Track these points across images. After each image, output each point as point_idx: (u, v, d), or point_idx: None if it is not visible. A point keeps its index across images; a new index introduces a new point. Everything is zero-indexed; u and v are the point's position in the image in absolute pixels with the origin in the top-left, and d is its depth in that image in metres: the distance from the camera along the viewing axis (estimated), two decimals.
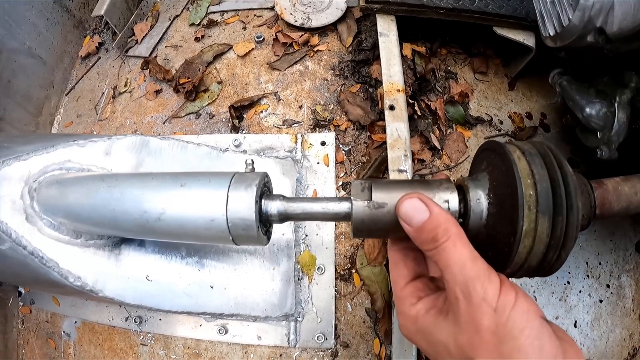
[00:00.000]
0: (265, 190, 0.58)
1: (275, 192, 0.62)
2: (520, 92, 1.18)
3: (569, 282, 1.07)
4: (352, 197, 0.46)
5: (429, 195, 0.45)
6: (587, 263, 1.10)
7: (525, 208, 0.39)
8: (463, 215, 0.45)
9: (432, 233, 0.40)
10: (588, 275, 1.09)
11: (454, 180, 0.49)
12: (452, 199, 0.45)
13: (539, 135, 1.13)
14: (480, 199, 0.45)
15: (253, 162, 0.63)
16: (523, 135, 1.11)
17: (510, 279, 0.50)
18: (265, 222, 0.56)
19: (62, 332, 1.10)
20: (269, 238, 0.60)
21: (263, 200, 0.55)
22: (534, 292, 1.04)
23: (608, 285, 1.10)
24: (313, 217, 0.52)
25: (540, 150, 0.43)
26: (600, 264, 1.11)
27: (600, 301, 1.08)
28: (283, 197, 0.54)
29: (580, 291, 1.08)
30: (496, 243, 0.43)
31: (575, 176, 0.48)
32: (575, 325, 1.05)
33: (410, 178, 0.86)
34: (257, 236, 0.55)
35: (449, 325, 0.39)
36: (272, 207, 0.54)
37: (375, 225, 0.46)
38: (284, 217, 0.54)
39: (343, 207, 0.50)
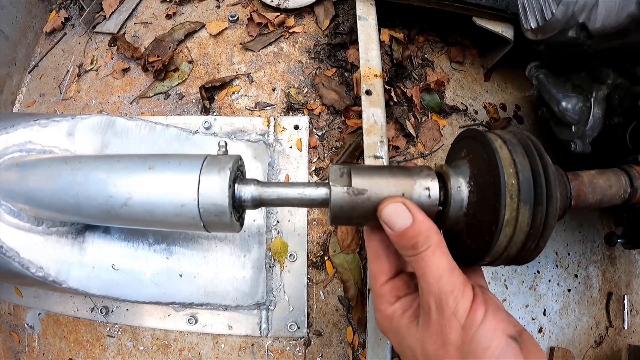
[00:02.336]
0: (238, 174, 0.56)
1: (247, 176, 0.59)
2: (496, 83, 1.18)
3: (538, 272, 1.09)
4: (330, 183, 0.45)
5: (409, 181, 0.44)
6: (556, 253, 1.12)
7: (507, 197, 0.39)
8: (443, 204, 0.44)
9: (413, 240, 0.39)
10: (557, 265, 1.11)
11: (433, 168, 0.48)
12: (433, 187, 0.44)
13: (513, 127, 1.14)
14: (461, 187, 0.44)
15: (226, 144, 0.60)
16: (497, 126, 1.11)
17: (483, 268, 0.50)
18: (238, 207, 0.53)
19: (26, 325, 1.05)
20: (241, 225, 0.58)
21: (236, 185, 0.52)
22: (505, 280, 1.05)
23: (576, 275, 1.12)
24: (288, 203, 0.50)
25: (521, 140, 0.43)
26: (569, 254, 1.13)
27: (569, 290, 1.11)
28: (257, 182, 0.52)
29: (549, 280, 1.09)
30: (476, 232, 0.43)
31: (554, 167, 0.48)
32: (544, 314, 1.07)
33: (386, 165, 0.84)
34: (230, 223, 0.53)
35: (419, 333, 0.40)
36: (246, 192, 0.52)
37: (354, 212, 0.44)
38: (258, 203, 0.52)
39: (320, 192, 0.48)
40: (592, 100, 0.90)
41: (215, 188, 0.51)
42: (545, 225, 0.40)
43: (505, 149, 0.42)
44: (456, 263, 0.50)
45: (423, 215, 0.41)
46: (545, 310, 1.07)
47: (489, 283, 1.04)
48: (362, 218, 0.45)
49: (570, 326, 1.09)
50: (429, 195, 0.44)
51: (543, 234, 0.41)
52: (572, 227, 1.15)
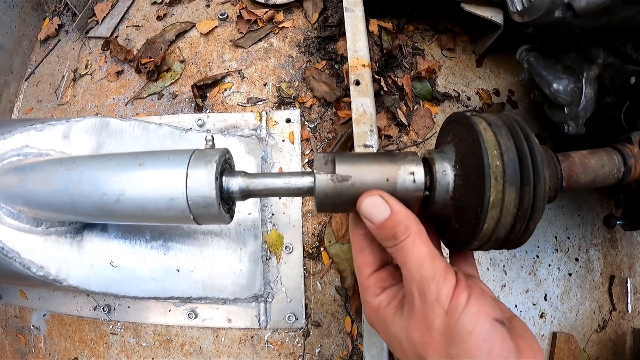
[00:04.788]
0: (226, 167, 0.57)
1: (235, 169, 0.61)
2: (488, 69, 1.19)
3: (538, 256, 1.10)
4: (314, 170, 0.45)
5: (394, 167, 0.44)
6: (555, 237, 1.12)
7: (492, 178, 0.39)
8: (429, 188, 0.45)
9: (392, 231, 0.40)
10: (557, 249, 1.12)
11: (420, 154, 0.48)
12: (418, 172, 0.44)
13: (507, 112, 1.15)
14: (446, 171, 0.44)
15: (213, 138, 0.62)
16: (490, 112, 1.12)
17: (475, 253, 0.51)
18: (227, 199, 0.55)
19: (32, 327, 1.09)
20: (232, 216, 0.59)
21: (224, 177, 0.54)
22: (504, 266, 1.06)
23: (577, 259, 1.13)
24: (276, 192, 0.51)
25: (507, 122, 0.43)
26: (568, 238, 1.13)
27: (570, 274, 1.11)
28: (245, 174, 0.53)
29: (549, 265, 1.10)
30: (463, 215, 0.43)
31: (542, 148, 0.47)
32: (545, 299, 1.08)
33: (372, 152, 0.86)
34: (219, 214, 0.54)
35: (403, 321, 0.40)
36: (234, 183, 0.53)
37: (339, 198, 0.45)
38: (246, 194, 0.53)
39: (306, 181, 0.49)
40: (584, 80, 0.90)
41: (202, 181, 0.53)
42: (534, 206, 0.40)
43: (489, 131, 0.42)
44: (448, 247, 0.50)
45: (401, 206, 0.41)
46: (546, 295, 1.08)
47: (487, 269, 1.05)
48: (347, 205, 0.45)
49: (573, 311, 1.10)
50: (414, 180, 0.44)
51: (532, 215, 0.40)
52: (571, 210, 1.16)
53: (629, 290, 1.16)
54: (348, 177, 0.44)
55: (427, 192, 0.45)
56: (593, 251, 1.15)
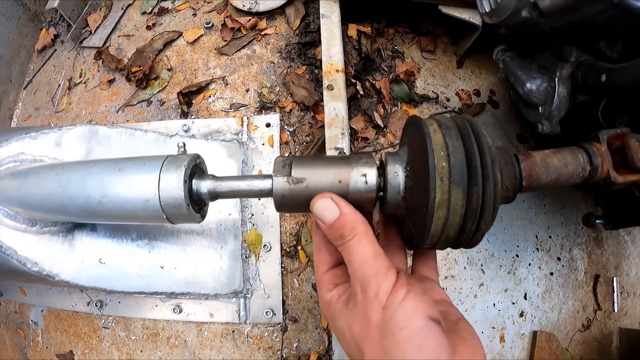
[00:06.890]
0: (197, 171, 0.65)
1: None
2: (469, 69, 1.26)
3: (517, 255, 1.15)
4: (272, 174, 0.50)
5: (347, 169, 0.49)
6: (536, 236, 1.17)
7: (437, 179, 0.41)
8: (383, 189, 0.48)
9: (340, 231, 0.44)
10: (538, 249, 1.17)
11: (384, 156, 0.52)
12: (370, 173, 0.47)
13: (487, 112, 1.21)
14: (397, 173, 0.47)
15: (185, 144, 0.70)
16: (470, 112, 1.19)
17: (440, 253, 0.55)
18: (197, 200, 0.63)
19: (30, 322, 1.20)
20: (203, 216, 0.67)
21: (194, 180, 0.62)
22: (482, 265, 1.13)
23: (559, 258, 1.18)
24: (240, 194, 0.58)
25: (459, 124, 0.45)
26: (550, 237, 1.19)
27: (551, 274, 1.17)
28: (213, 177, 0.61)
29: (529, 264, 1.15)
30: (415, 215, 0.46)
31: (500, 149, 0.52)
32: (525, 298, 1.13)
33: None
34: (188, 214, 0.62)
35: (348, 315, 0.44)
36: (203, 186, 0.61)
37: (296, 200, 0.49)
38: (214, 195, 0.60)
39: (266, 183, 0.55)
40: (557, 79, 0.94)
41: (173, 184, 0.62)
42: (484, 206, 0.42)
43: (439, 133, 0.44)
44: (407, 247, 0.55)
45: (350, 208, 0.45)
46: (526, 294, 1.13)
47: (465, 268, 1.12)
48: (303, 206, 0.49)
49: (555, 310, 1.15)
50: (366, 182, 0.47)
51: (482, 215, 0.42)
52: (554, 209, 1.21)
53: (615, 289, 1.20)
54: (303, 179, 0.49)
55: (381, 193, 0.48)
56: (577, 250, 1.20)
